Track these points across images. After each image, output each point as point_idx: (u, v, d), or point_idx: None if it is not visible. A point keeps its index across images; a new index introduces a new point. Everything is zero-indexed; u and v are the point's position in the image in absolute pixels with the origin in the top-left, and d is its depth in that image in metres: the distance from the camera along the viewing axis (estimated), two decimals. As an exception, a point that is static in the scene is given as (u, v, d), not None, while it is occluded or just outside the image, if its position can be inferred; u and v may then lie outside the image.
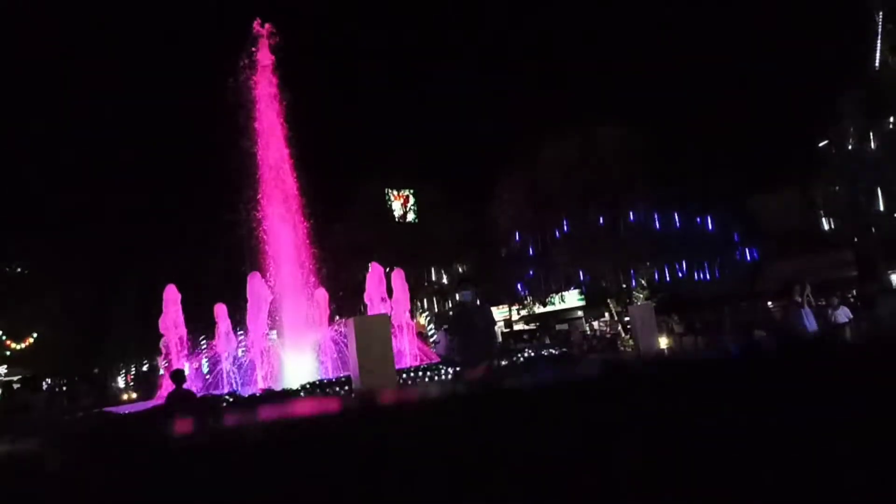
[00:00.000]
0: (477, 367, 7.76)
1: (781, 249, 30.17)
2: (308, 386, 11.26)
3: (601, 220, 28.31)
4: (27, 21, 43.90)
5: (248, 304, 14.03)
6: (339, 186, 32.64)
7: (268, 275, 15.29)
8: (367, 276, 15.95)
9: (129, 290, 37.10)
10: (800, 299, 12.79)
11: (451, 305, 36.34)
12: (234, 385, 13.93)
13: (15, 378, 39.33)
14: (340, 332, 13.61)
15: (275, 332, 15.43)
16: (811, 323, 12.65)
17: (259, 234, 16.02)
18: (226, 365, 14.42)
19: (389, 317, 9.48)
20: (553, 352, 15.21)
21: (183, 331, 15.56)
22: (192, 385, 15.53)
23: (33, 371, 40.15)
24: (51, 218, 38.87)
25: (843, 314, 14.16)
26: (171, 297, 15.32)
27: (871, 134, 22.83)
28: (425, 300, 35.70)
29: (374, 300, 15.21)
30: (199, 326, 25.12)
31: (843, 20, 21.13)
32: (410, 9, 50.57)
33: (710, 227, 29.76)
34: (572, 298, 36.11)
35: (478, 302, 8.62)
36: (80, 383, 33.86)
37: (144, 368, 40.22)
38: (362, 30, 55.83)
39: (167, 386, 11.30)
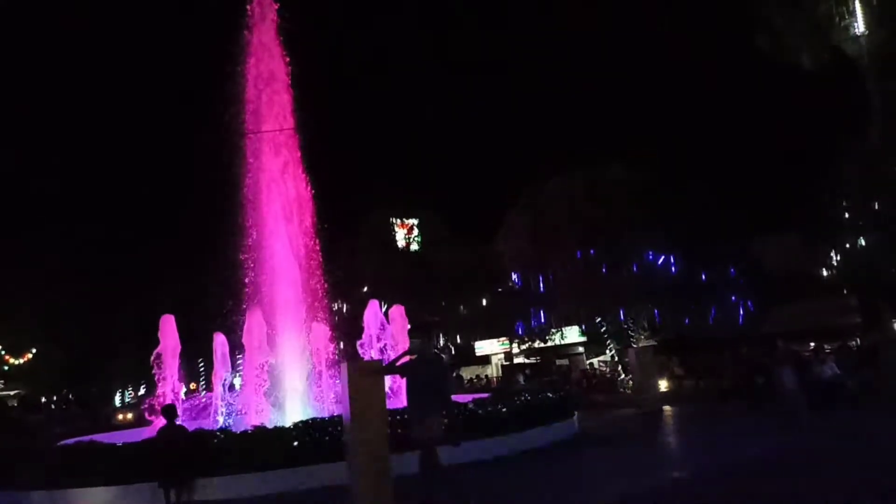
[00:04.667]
0: (423, 423, 7.44)
1: (784, 293, 29.99)
2: (301, 425, 11.19)
3: (603, 260, 28.26)
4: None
5: (245, 342, 13.99)
6: (344, 214, 32.72)
7: (265, 304, 15.22)
8: (365, 313, 15.90)
9: (129, 311, 37.14)
10: (781, 356, 12.79)
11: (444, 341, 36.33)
12: (228, 420, 13.85)
13: (12, 393, 39.25)
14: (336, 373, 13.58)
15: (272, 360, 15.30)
16: (792, 381, 12.60)
17: (259, 263, 15.98)
18: (219, 401, 14.33)
19: (382, 363, 9.40)
20: (550, 395, 15.03)
21: (177, 358, 15.44)
22: (187, 409, 15.48)
23: (30, 388, 40.14)
24: (56, 237, 39.11)
25: (829, 370, 14.02)
26: (168, 327, 15.27)
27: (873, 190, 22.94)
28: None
29: (371, 339, 15.18)
30: (197, 351, 25.04)
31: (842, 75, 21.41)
32: (418, 41, 51.28)
33: (712, 268, 29.64)
34: (573, 334, 35.91)
35: (434, 351, 8.28)
36: (75, 404, 33.66)
37: (142, 391, 40.05)
38: (371, 59, 56.61)
39: (159, 420, 11.21)
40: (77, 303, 38.46)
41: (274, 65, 16.72)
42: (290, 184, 16.33)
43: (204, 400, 17.15)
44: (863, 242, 26.21)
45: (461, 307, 35.70)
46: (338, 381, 13.59)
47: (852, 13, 20.59)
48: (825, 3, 20.69)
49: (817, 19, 20.82)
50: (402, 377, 8.01)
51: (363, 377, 8.29)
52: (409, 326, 16.18)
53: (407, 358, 7.97)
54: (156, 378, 15.12)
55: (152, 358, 15.17)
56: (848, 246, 27.63)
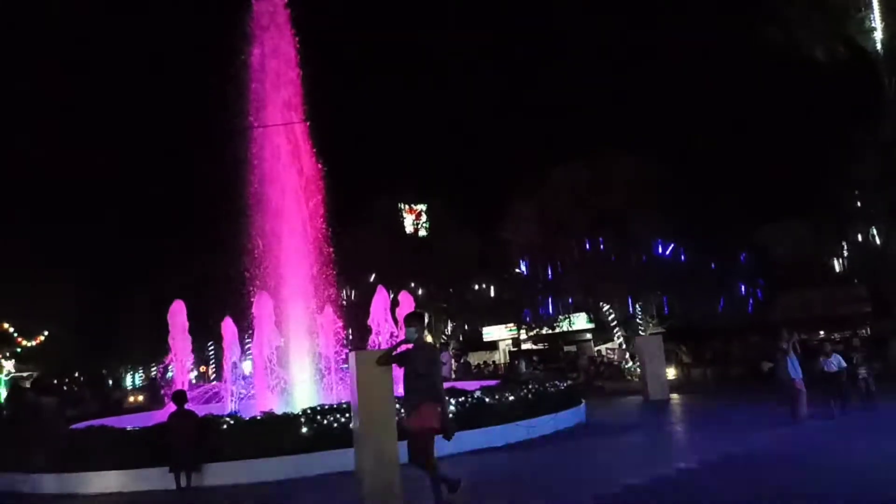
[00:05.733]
0: (416, 412, 7.48)
1: (793, 281, 29.87)
2: (309, 411, 11.26)
3: (611, 248, 28.16)
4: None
5: (255, 328, 14.08)
6: (352, 199, 32.70)
7: (274, 289, 15.26)
8: (373, 300, 15.93)
9: (141, 293, 37.47)
10: (786, 346, 12.71)
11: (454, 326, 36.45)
12: (237, 405, 13.96)
13: (24, 375, 39.75)
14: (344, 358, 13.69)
15: (282, 340, 15.37)
16: (796, 371, 12.55)
17: (268, 249, 16.00)
18: (229, 387, 14.45)
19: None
20: (557, 383, 15.07)
21: (189, 344, 15.54)
22: (196, 397, 15.62)
23: (42, 369, 40.65)
24: (68, 221, 39.40)
25: (834, 362, 13.90)
26: (178, 312, 15.35)
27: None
28: (434, 318, 35.65)
29: (379, 325, 15.24)
30: (207, 334, 25.23)
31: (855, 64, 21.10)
32: (428, 28, 50.87)
33: (721, 256, 29.50)
34: (581, 320, 35.94)
35: (427, 339, 8.30)
36: (85, 387, 34.02)
37: (153, 373, 40.48)
38: (380, 44, 56.18)
39: (170, 405, 11.32)
40: (89, 286, 38.84)
41: (283, 50, 16.58)
42: (299, 169, 16.29)
43: (215, 383, 17.32)
44: (874, 232, 26.05)
45: (469, 293, 35.76)
46: (345, 366, 13.68)
47: (868, 5, 20.26)
48: None
49: (832, 11, 20.49)
50: (399, 366, 8.04)
51: (371, 364, 8.36)
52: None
53: (404, 346, 8.02)
54: (159, 371, 15.24)
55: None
56: (860, 236, 27.48)
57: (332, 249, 16.52)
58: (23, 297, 37.02)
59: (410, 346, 7.93)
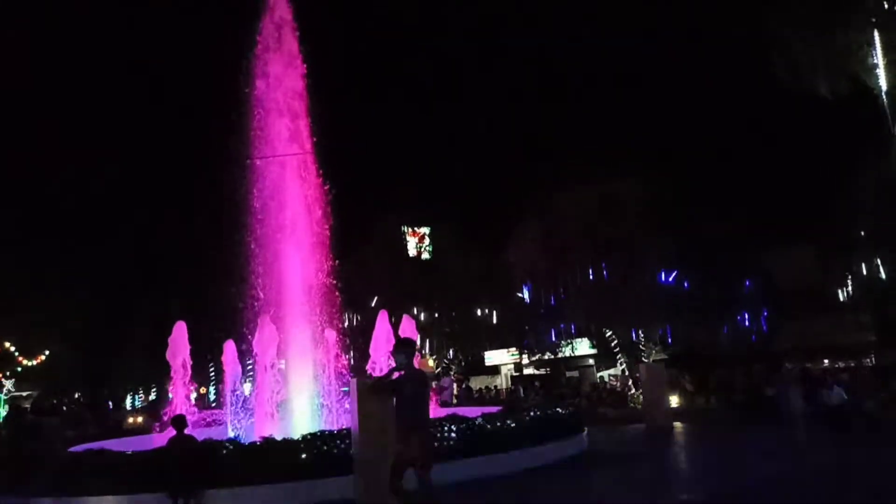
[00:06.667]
0: (408, 440, 7.50)
1: (798, 309, 29.74)
2: (309, 437, 11.19)
3: (615, 274, 28.09)
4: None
5: (257, 352, 14.02)
6: (355, 221, 32.69)
7: (275, 314, 15.17)
8: (375, 326, 15.87)
9: (142, 313, 37.47)
10: (788, 378, 12.73)
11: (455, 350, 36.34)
12: (238, 430, 13.88)
13: (24, 395, 39.60)
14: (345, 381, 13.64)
15: (283, 362, 15.29)
16: (797, 400, 12.54)
17: (269, 270, 15.93)
18: (229, 410, 14.38)
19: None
20: (559, 410, 14.98)
21: (189, 364, 15.48)
22: (196, 423, 15.53)
23: (42, 389, 40.51)
24: (70, 241, 39.50)
25: (836, 395, 13.85)
26: (179, 335, 15.31)
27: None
28: (436, 342, 35.53)
29: (380, 352, 15.16)
30: (209, 355, 25.13)
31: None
32: (433, 50, 51.41)
33: (725, 284, 29.42)
34: (584, 346, 35.78)
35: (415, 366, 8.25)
36: (85, 408, 33.86)
37: (153, 396, 40.36)
38: (383, 67, 56.79)
39: (170, 430, 11.24)
40: (90, 305, 38.83)
41: (288, 71, 16.62)
42: (303, 193, 16.28)
43: (214, 410, 17.21)
44: (879, 261, 26.06)
45: (471, 317, 35.67)
46: (346, 388, 13.61)
47: (871, 42, 20.44)
48: (843, 33, 20.56)
49: (836, 45, 20.67)
50: (392, 394, 8.05)
51: (372, 392, 8.37)
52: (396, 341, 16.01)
53: (396, 374, 8.03)
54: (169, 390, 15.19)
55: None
56: (864, 265, 27.47)
57: (336, 273, 16.43)
58: (24, 315, 37.05)
59: (402, 373, 7.95)
